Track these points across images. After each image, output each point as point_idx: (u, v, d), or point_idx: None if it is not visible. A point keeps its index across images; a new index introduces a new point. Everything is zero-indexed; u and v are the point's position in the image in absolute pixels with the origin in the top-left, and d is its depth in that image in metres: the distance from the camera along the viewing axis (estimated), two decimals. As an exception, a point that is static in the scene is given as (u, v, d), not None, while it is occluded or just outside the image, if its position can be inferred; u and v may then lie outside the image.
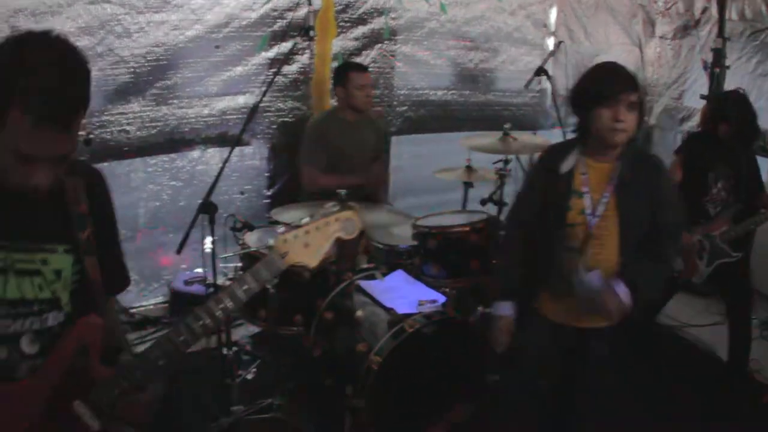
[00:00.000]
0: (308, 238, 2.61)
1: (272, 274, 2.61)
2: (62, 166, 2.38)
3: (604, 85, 3.87)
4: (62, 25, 5.72)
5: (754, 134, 6.02)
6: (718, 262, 6.05)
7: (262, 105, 6.24)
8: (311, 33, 6.20)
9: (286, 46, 6.92)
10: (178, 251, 4.92)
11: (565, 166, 4.06)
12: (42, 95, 2.15)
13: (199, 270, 6.28)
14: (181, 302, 6.62)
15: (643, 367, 6.31)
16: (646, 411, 5.80)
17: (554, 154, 4.20)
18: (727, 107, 6.03)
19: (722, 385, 6.25)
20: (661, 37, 10.31)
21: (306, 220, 2.65)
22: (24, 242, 2.51)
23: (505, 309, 4.29)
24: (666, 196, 4.06)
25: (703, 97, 8.91)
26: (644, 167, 4.02)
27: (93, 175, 2.77)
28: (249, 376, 5.66)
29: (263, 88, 5.92)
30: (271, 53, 6.94)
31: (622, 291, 3.90)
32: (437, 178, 6.59)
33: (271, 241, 2.59)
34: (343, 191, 4.85)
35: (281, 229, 2.66)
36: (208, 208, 4.95)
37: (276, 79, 6.48)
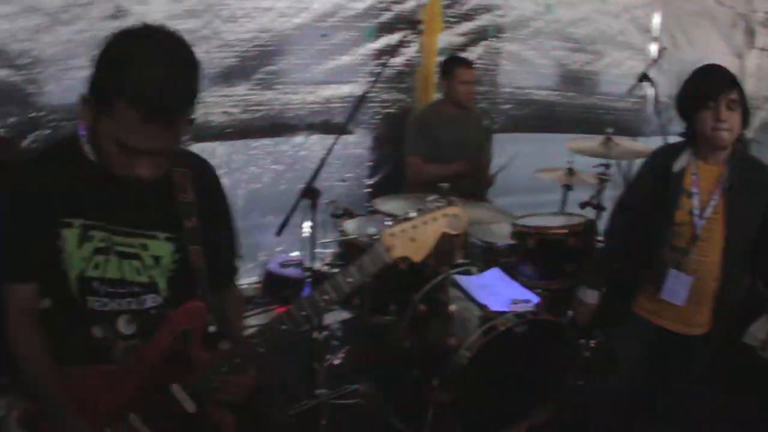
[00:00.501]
0: (415, 232, 2.56)
1: (377, 267, 2.55)
2: (167, 158, 2.40)
3: (702, 87, 3.87)
4: (168, 7, 5.80)
5: None
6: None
7: (367, 95, 6.27)
8: (419, 26, 6.20)
9: (393, 38, 6.91)
10: (278, 233, 4.89)
11: (678, 165, 4.00)
12: (153, 92, 2.17)
13: (296, 253, 6.38)
14: (274, 284, 6.62)
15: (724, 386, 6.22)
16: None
17: (667, 152, 4.15)
18: None
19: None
20: (761, 49, 10.15)
21: (413, 214, 2.59)
22: (126, 226, 2.58)
23: (590, 296, 4.39)
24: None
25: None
26: (755, 173, 3.95)
27: (201, 166, 2.82)
28: (336, 361, 5.64)
29: (369, 79, 5.95)
30: (378, 44, 6.90)
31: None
32: (536, 178, 6.53)
33: (372, 229, 2.57)
34: (445, 185, 4.83)
35: (389, 222, 2.66)
36: (311, 193, 4.90)
37: (383, 71, 6.51)
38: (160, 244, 2.63)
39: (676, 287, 4.02)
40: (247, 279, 6.81)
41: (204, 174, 2.79)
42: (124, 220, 2.56)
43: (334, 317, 6.00)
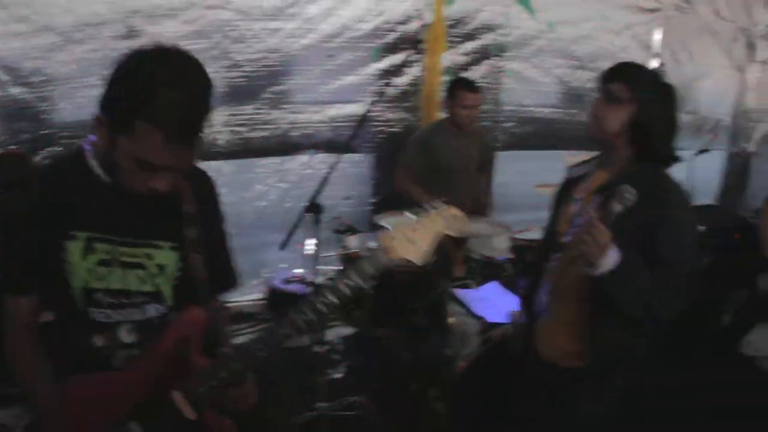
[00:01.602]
0: (414, 234, 2.54)
1: (376, 269, 2.53)
2: (182, 173, 2.45)
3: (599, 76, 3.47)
4: (178, 27, 5.93)
5: None
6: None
7: (371, 114, 6.37)
8: (420, 46, 6.30)
9: (397, 58, 7.01)
10: (282, 247, 4.94)
11: (576, 171, 3.78)
12: (176, 114, 2.21)
13: (300, 270, 6.45)
14: (278, 300, 6.67)
15: (722, 396, 6.30)
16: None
17: (579, 164, 3.82)
18: None
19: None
20: (762, 62, 10.22)
21: (412, 216, 2.58)
22: (131, 237, 2.61)
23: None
24: (665, 236, 3.17)
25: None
26: (647, 190, 3.15)
27: (203, 178, 2.86)
28: (337, 375, 5.70)
29: (373, 98, 6.03)
30: (383, 64, 7.00)
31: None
32: (538, 195, 6.59)
33: (373, 243, 2.61)
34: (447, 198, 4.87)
35: (387, 223, 2.64)
36: (314, 208, 4.96)
37: (386, 90, 6.66)
38: (164, 253, 2.67)
39: (541, 295, 3.67)
40: (252, 296, 6.90)
41: (204, 185, 2.84)
42: (129, 231, 2.60)
43: (336, 332, 6.08)
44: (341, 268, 5.42)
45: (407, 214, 2.56)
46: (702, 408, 5.84)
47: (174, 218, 2.66)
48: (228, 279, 3.07)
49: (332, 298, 2.51)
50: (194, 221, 2.67)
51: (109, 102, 2.28)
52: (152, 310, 2.72)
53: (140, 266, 2.65)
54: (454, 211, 2.61)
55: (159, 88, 2.19)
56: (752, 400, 6.13)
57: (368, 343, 5.82)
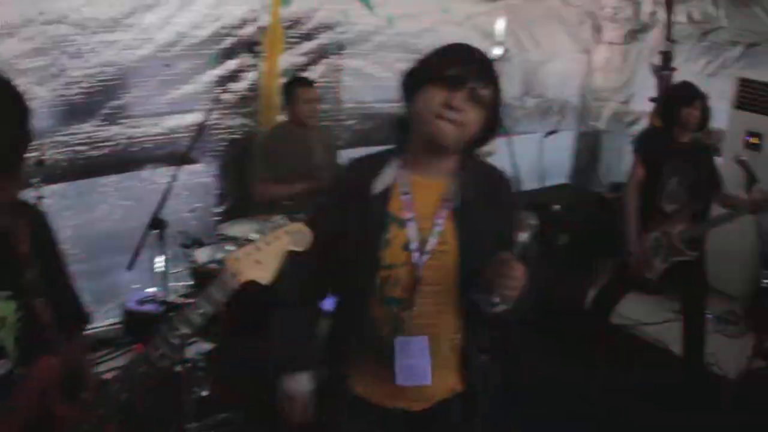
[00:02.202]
0: (259, 254, 2.57)
1: (225, 294, 2.53)
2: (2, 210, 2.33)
3: (446, 65, 2.81)
4: (17, 46, 5.75)
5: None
6: (673, 260, 6.16)
7: (211, 123, 6.30)
8: (256, 48, 6.27)
9: (234, 63, 6.98)
10: (129, 268, 4.93)
11: (379, 185, 2.95)
12: None
13: (152, 289, 6.32)
14: (135, 322, 6.57)
15: (599, 367, 6.43)
16: (607, 409, 5.92)
17: (362, 168, 3.09)
18: (689, 93, 6.14)
19: (681, 380, 6.39)
20: (609, 43, 10.45)
21: (255, 236, 2.64)
22: None
23: (300, 384, 3.28)
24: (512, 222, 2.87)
25: (651, 99, 9.03)
26: (491, 183, 3.08)
27: (33, 215, 2.66)
28: (204, 393, 5.60)
29: (210, 106, 5.98)
30: (220, 71, 6.95)
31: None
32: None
33: (221, 255, 2.59)
34: (290, 202, 4.84)
35: (232, 247, 2.61)
36: (157, 224, 4.98)
37: (225, 97, 6.63)
38: (3, 303, 2.44)
39: (412, 360, 2.99)
40: (107, 320, 6.76)
41: (36, 223, 2.63)
42: None
43: (196, 349, 6.00)
44: (193, 283, 5.38)
45: (252, 235, 2.63)
46: (585, 386, 6.17)
47: (6, 264, 2.46)
48: (78, 316, 2.92)
49: (186, 330, 2.51)
50: (30, 263, 2.50)
51: None
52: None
53: None
54: (298, 226, 2.64)
55: None
56: (629, 368, 6.62)
57: (230, 357, 5.75)
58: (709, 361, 6.58)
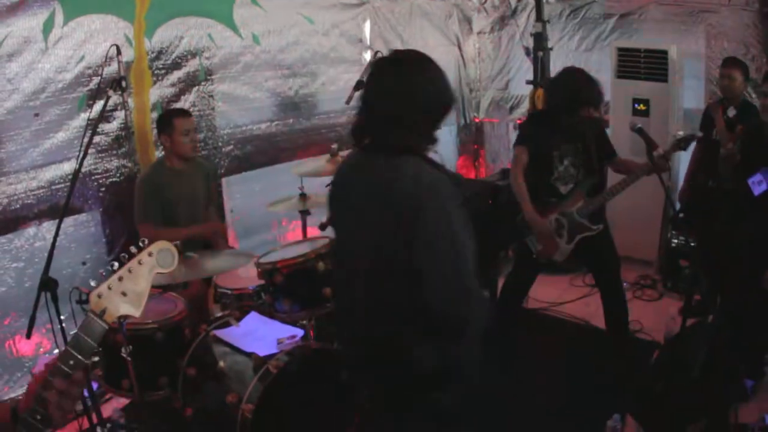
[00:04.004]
0: (123, 285, 2.44)
1: (95, 337, 2.40)
2: None
3: None
4: None
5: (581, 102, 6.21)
6: (579, 237, 6.38)
7: (88, 168, 6.38)
8: (123, 84, 6.32)
9: (103, 103, 6.61)
10: (28, 336, 4.87)
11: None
12: None
13: (57, 351, 6.33)
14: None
15: (525, 352, 6.65)
16: (542, 393, 6.23)
17: None
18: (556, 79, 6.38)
19: (609, 352, 6.63)
20: (479, 33, 10.75)
21: (116, 265, 2.47)
22: None
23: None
24: None
25: (529, 82, 9.33)
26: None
27: None
28: None
29: (82, 151, 6.02)
30: (90, 113, 6.78)
31: None
32: (275, 213, 6.78)
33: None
34: (177, 243, 4.91)
35: (93, 283, 2.48)
36: (48, 284, 4.89)
37: (98, 140, 6.63)
38: None
39: None
40: (20, 389, 6.62)
41: None
42: None
43: (112, 406, 6.05)
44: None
45: (113, 263, 2.46)
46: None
47: None
48: None
49: (61, 385, 2.37)
50: None
51: None
52: None
53: None
54: (161, 244, 2.54)
55: None
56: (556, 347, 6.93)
57: (148, 409, 5.78)
58: (634, 328, 6.83)
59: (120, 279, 2.43)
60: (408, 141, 3.52)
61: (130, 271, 2.45)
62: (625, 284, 6.99)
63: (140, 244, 2.52)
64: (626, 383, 6.08)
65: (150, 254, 2.49)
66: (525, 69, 10.12)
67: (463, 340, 3.53)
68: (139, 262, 2.47)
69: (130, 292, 2.44)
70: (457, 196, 3.49)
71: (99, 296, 2.41)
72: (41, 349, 6.69)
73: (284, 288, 5.47)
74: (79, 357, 2.38)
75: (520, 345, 6.81)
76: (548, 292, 8.18)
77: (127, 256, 2.49)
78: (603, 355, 6.65)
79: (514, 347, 6.73)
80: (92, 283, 2.45)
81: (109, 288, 2.42)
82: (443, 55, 10.41)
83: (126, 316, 2.51)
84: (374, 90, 3.62)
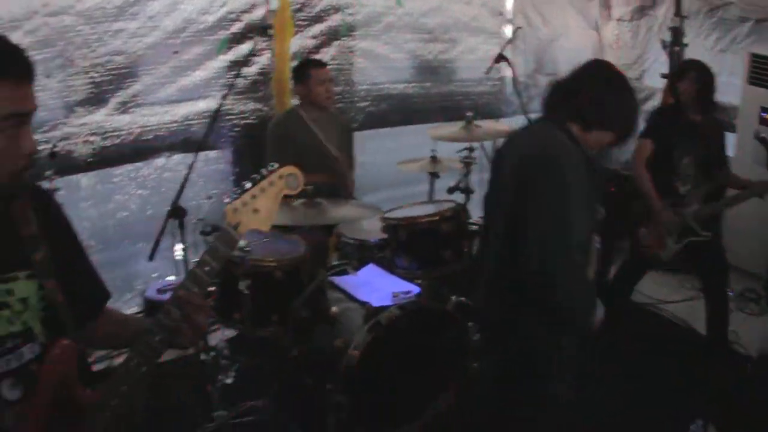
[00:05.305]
0: (256, 202, 2.57)
1: (230, 247, 2.55)
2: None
3: None
4: (21, 39, 5.72)
5: (711, 97, 6.17)
6: (687, 240, 6.28)
7: (224, 108, 6.38)
8: (269, 32, 6.38)
9: (245, 47, 7.04)
10: (150, 258, 5.00)
11: None
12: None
13: (172, 277, 6.44)
14: (155, 311, 6.42)
15: (623, 345, 6.59)
16: (633, 387, 6.09)
17: None
18: (685, 67, 6.31)
19: (704, 358, 6.49)
20: (618, 20, 10.60)
21: (248, 184, 2.60)
22: None
23: None
24: None
25: (663, 75, 9.17)
26: None
27: (39, 195, 2.69)
28: (229, 381, 5.72)
29: (224, 92, 6.13)
30: (231, 56, 7.03)
31: None
32: (403, 172, 6.78)
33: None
34: (310, 187, 4.95)
35: (228, 199, 2.60)
36: (177, 212, 5.04)
37: (236, 82, 6.64)
38: (23, 284, 2.46)
39: None
40: (128, 310, 6.79)
41: (44, 203, 2.67)
42: None
43: (219, 336, 6.12)
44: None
45: (245, 183, 2.58)
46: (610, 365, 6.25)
47: (20, 243, 2.48)
48: (99, 293, 2.94)
49: (196, 289, 2.55)
50: (38, 244, 2.50)
51: None
52: (27, 353, 2.46)
53: (5, 305, 2.42)
54: (289, 169, 2.66)
55: None
56: (653, 344, 6.74)
57: (254, 344, 5.87)
58: (731, 339, 6.72)
59: (253, 197, 2.56)
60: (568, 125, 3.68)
61: (262, 190, 2.58)
62: (731, 293, 6.81)
63: (269, 166, 2.65)
64: (714, 392, 6.01)
65: (281, 177, 2.62)
66: (660, 62, 9.96)
67: (564, 315, 3.63)
68: (271, 183, 2.60)
69: (262, 210, 2.58)
70: (582, 172, 3.53)
71: (234, 210, 2.54)
72: (155, 274, 6.87)
73: (406, 245, 5.56)
74: (215, 263, 2.51)
75: (621, 337, 6.73)
76: (656, 290, 8.03)
77: (258, 177, 2.61)
78: (697, 360, 6.52)
79: (620, 339, 6.67)
80: (228, 200, 2.58)
81: (244, 204, 2.55)
82: (581, 38, 10.32)
83: (255, 230, 2.61)
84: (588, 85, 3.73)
